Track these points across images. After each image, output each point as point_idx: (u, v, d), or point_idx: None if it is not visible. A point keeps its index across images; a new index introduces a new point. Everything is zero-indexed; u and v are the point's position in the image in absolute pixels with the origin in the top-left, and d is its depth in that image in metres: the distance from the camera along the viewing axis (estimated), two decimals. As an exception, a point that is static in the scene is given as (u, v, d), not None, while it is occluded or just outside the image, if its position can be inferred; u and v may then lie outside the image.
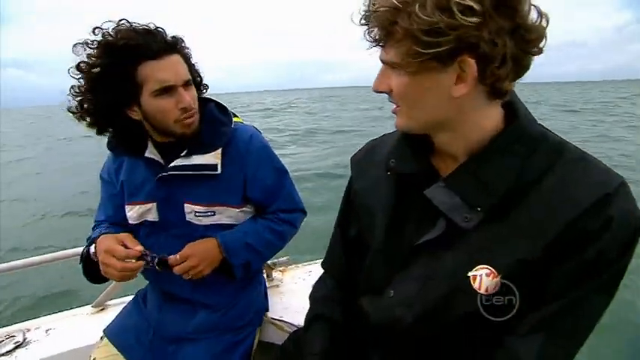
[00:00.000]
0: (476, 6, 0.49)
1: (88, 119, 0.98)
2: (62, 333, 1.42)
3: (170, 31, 0.97)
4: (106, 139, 1.08)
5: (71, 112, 0.98)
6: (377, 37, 0.56)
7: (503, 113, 0.62)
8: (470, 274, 0.60)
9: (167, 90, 0.93)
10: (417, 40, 0.51)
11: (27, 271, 1.46)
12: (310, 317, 0.88)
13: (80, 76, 0.94)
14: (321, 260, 0.96)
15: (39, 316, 1.55)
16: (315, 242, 1.91)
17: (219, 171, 1.04)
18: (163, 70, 0.92)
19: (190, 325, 1.13)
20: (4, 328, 1.48)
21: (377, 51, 0.59)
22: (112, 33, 0.91)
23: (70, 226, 5.42)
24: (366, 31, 0.57)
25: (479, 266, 0.59)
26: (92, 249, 1.04)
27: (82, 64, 0.92)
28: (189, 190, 1.05)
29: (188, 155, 1.02)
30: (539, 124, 0.63)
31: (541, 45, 0.54)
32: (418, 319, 0.65)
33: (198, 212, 1.06)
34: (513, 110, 0.62)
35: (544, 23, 0.53)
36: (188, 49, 1.01)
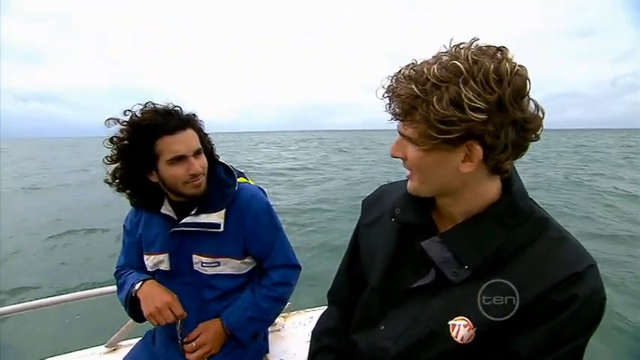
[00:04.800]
0: (482, 106, 0.56)
1: (122, 187, 1.17)
2: None
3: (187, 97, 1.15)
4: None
5: (108, 183, 1.17)
6: (397, 113, 0.64)
7: (501, 185, 0.69)
8: (450, 322, 0.66)
9: (179, 159, 1.10)
10: (432, 126, 0.59)
11: (41, 310, 1.54)
12: (316, 349, 0.91)
13: (111, 147, 1.13)
14: (322, 309, 1.00)
15: (51, 357, 1.60)
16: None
17: (221, 229, 1.19)
18: (177, 143, 1.09)
19: None
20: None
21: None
22: (138, 114, 1.11)
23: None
24: (388, 105, 0.65)
25: (458, 317, 0.66)
26: (137, 286, 1.20)
27: (114, 138, 1.12)
28: (197, 243, 1.21)
29: (197, 214, 1.19)
30: (530, 199, 0.70)
31: (538, 133, 0.62)
32: (400, 352, 0.72)
33: (204, 263, 1.21)
34: (509, 184, 0.69)
35: (541, 114, 0.61)
36: (201, 122, 1.20)
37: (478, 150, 0.61)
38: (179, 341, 1.23)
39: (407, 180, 0.81)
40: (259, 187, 1.34)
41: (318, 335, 0.93)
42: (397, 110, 0.64)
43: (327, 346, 0.90)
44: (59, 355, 1.63)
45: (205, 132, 1.23)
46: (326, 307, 1.00)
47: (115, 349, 1.64)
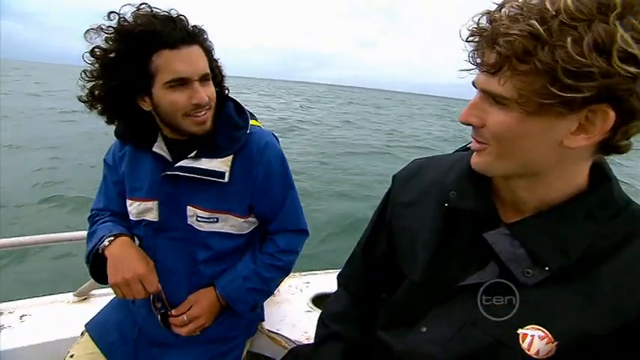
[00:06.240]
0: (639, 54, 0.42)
1: (98, 107, 0.94)
2: (38, 321, 1.33)
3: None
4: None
5: (81, 101, 0.93)
6: (492, 63, 0.48)
7: (588, 172, 0.57)
8: (520, 331, 0.56)
9: (181, 82, 0.87)
10: (556, 79, 0.44)
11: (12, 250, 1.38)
12: (323, 335, 0.83)
13: (92, 61, 0.89)
14: (306, 270, 0.90)
15: (15, 299, 1.45)
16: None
17: (226, 179, 0.98)
18: (180, 61, 0.86)
19: None
20: (-26, 309, 1.37)
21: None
22: (128, 19, 0.86)
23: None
24: (475, 53, 0.50)
25: (531, 325, 0.55)
26: (106, 242, 0.99)
27: (96, 50, 0.88)
28: (194, 192, 1.00)
29: (197, 157, 0.96)
30: (623, 191, 0.59)
31: None
32: None
33: (200, 217, 1.01)
34: (600, 170, 0.57)
35: None
36: (211, 42, 0.95)
37: (611, 118, 0.46)
38: (158, 313, 1.04)
39: (446, 155, 0.71)
40: (272, 134, 1.09)
41: (326, 320, 0.84)
42: (495, 57, 0.47)
43: (335, 333, 0.81)
44: (19, 299, 1.45)
45: (215, 56, 0.98)
46: (323, 272, 0.97)
47: (85, 299, 1.46)
